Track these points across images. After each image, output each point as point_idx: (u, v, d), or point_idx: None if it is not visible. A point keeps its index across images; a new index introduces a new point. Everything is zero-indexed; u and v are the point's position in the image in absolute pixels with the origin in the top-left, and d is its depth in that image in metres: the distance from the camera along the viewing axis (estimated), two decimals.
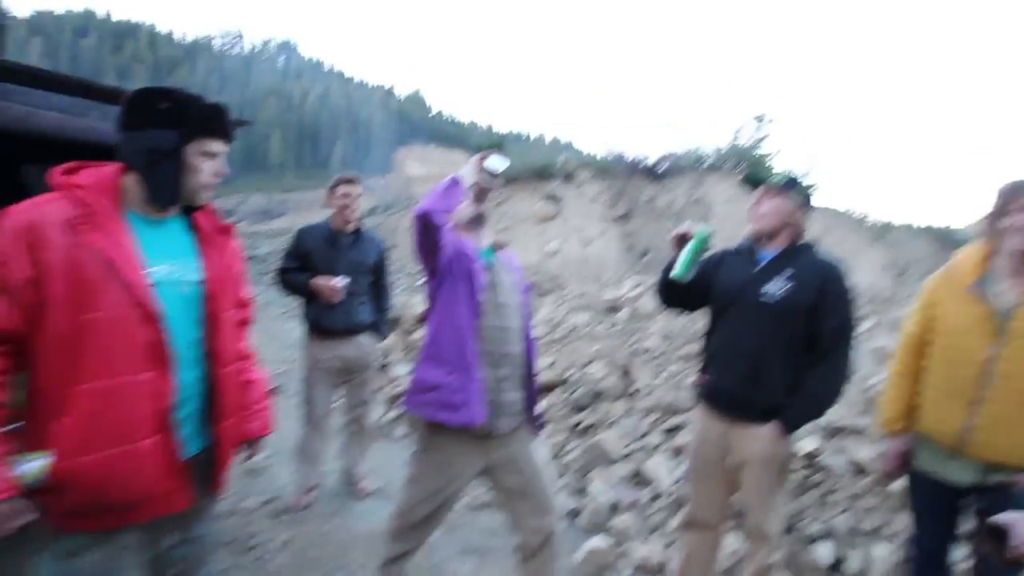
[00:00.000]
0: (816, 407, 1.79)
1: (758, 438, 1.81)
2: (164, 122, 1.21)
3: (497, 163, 1.76)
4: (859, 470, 2.83)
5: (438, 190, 1.69)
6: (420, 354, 1.78)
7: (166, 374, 1.22)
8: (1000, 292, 1.68)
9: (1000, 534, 1.18)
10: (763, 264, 1.87)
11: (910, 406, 1.89)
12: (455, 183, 1.71)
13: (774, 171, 15.37)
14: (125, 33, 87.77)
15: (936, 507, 1.84)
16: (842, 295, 1.76)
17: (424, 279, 1.83)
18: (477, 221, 1.89)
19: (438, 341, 1.73)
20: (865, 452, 2.84)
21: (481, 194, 1.86)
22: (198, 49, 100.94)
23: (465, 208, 1.87)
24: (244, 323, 1.61)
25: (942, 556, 1.88)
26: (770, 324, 1.78)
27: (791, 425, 1.79)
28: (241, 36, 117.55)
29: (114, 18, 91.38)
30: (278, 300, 9.56)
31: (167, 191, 1.25)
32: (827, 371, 1.75)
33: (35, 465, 1.11)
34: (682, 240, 1.90)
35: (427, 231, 1.67)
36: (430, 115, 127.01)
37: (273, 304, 9.17)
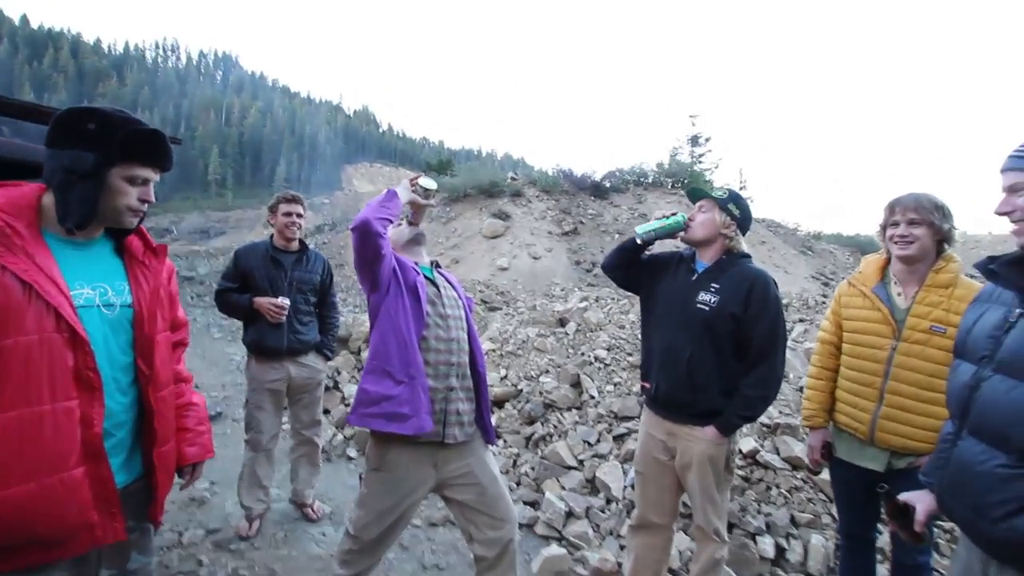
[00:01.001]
0: (751, 409, 1.87)
1: (700, 440, 1.89)
2: (86, 143, 1.16)
3: (429, 182, 1.93)
4: (795, 465, 3.02)
5: (375, 201, 1.76)
6: (365, 366, 1.77)
7: (95, 400, 1.17)
8: (895, 295, 1.87)
9: (905, 512, 1.28)
10: (698, 274, 1.97)
11: (828, 402, 2.05)
12: (391, 194, 1.81)
13: (714, 186, 16.24)
14: (44, 41, 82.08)
15: (855, 494, 2.00)
16: (766, 303, 1.84)
17: (366, 293, 1.82)
18: (415, 241, 1.99)
19: (383, 353, 1.72)
20: (800, 448, 3.03)
21: (416, 213, 1.98)
22: (129, 60, 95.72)
23: (403, 230, 1.99)
24: (180, 345, 1.56)
25: (867, 540, 2.05)
26: (703, 331, 1.87)
27: (729, 426, 1.87)
28: (177, 48, 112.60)
29: (32, 24, 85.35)
30: (217, 323, 9.14)
31: (76, 212, 1.18)
32: (759, 375, 1.84)
33: None
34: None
35: (366, 240, 1.69)
36: (380, 131, 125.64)
37: (212, 327, 8.74)
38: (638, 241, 2.08)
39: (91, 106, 1.20)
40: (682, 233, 2.02)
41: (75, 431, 1.14)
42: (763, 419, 3.31)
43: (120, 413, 1.26)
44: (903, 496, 1.30)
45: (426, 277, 1.89)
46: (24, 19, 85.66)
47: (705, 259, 2.01)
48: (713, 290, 1.90)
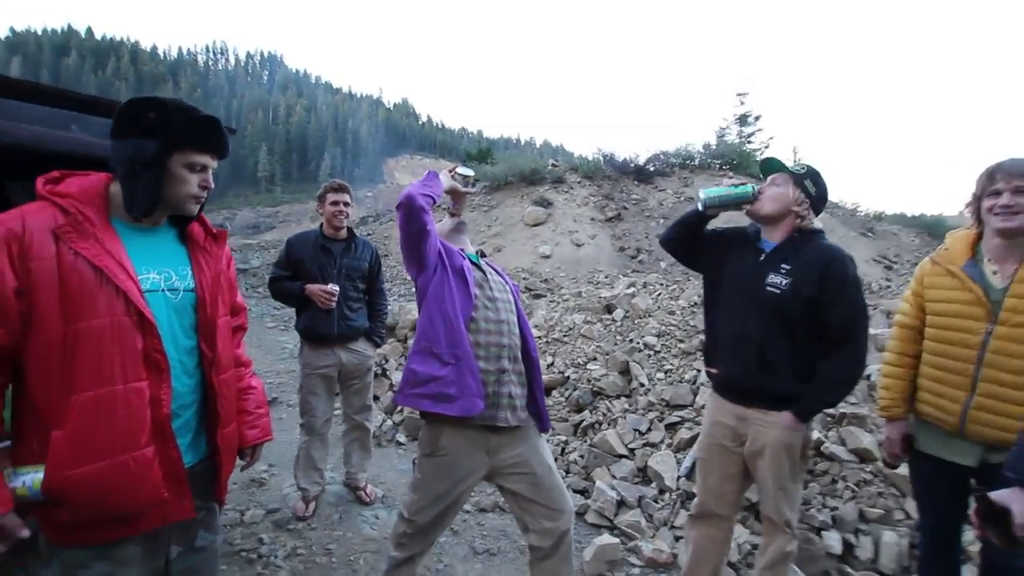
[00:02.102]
0: (831, 394, 1.77)
1: (774, 425, 1.79)
2: (147, 132, 1.19)
3: (466, 170, 1.98)
4: (863, 457, 2.84)
5: (418, 181, 1.79)
6: (412, 347, 1.77)
7: (163, 381, 1.20)
8: (989, 274, 1.69)
9: (1001, 514, 1.14)
10: (766, 254, 1.85)
11: (908, 391, 1.89)
12: (433, 175, 1.85)
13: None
14: (107, 50, 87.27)
15: (940, 490, 1.84)
16: (844, 283, 1.72)
17: (413, 275, 1.82)
18: (458, 230, 2.01)
19: (430, 334, 1.72)
20: (868, 440, 2.85)
21: (457, 202, 2.01)
22: (182, 64, 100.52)
23: (445, 221, 2.03)
24: (240, 330, 1.59)
25: (951, 540, 1.88)
26: (774, 314, 1.76)
27: (806, 412, 1.76)
28: (226, 50, 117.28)
29: (96, 35, 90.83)
30: (270, 312, 9.51)
31: (142, 200, 1.21)
32: (842, 358, 1.72)
33: (28, 479, 1.08)
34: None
35: (411, 215, 1.69)
36: (419, 123, 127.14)
37: (265, 316, 9.11)
38: (699, 207, 1.96)
39: (151, 96, 1.22)
40: (748, 206, 1.89)
41: (145, 411, 1.17)
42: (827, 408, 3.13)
43: (186, 395, 1.29)
44: (997, 495, 1.16)
45: (472, 262, 1.88)
46: (89, 31, 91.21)
47: (773, 238, 1.88)
48: (784, 271, 1.78)
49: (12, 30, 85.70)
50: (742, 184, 1.92)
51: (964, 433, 1.71)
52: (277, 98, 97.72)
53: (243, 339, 1.64)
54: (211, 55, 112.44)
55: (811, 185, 1.85)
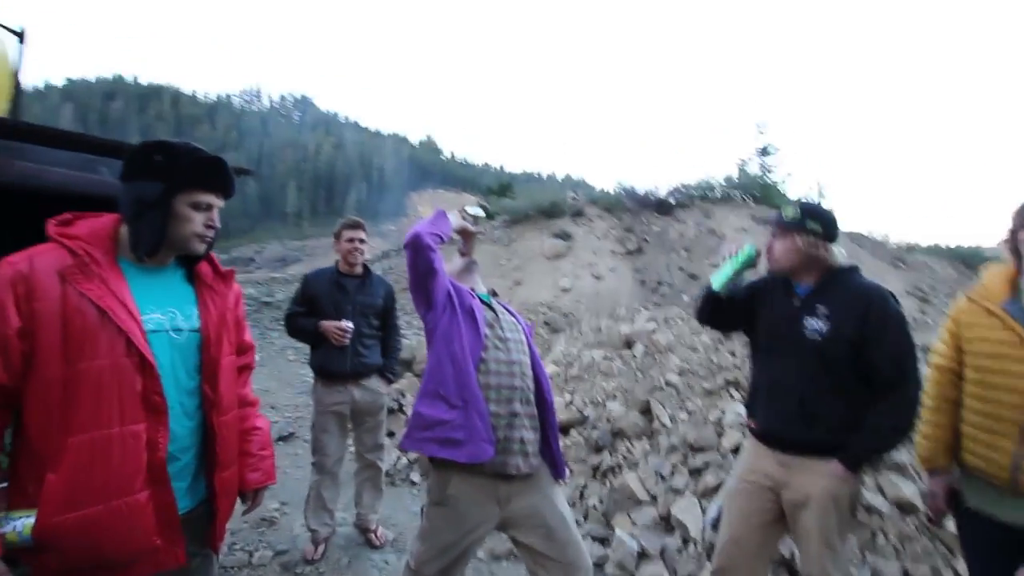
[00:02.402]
0: (882, 441, 1.66)
1: (821, 474, 1.67)
2: (153, 173, 1.21)
3: (476, 210, 2.03)
4: (906, 510, 2.64)
5: (426, 219, 1.78)
6: (420, 389, 1.72)
7: (160, 424, 1.18)
8: None
9: None
10: (802, 299, 1.78)
11: (949, 440, 1.75)
12: (441, 214, 1.83)
13: (786, 196, 15.34)
14: (150, 95, 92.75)
15: (992, 551, 1.67)
16: (887, 321, 1.64)
17: (421, 313, 1.79)
18: (469, 270, 2.00)
19: (438, 375, 1.67)
20: (911, 490, 2.65)
21: (467, 242, 2.01)
22: (219, 107, 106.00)
23: (456, 261, 2.02)
24: (246, 368, 1.57)
25: None
26: (815, 361, 1.68)
27: (855, 461, 1.65)
28: (260, 93, 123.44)
29: (141, 82, 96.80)
30: (292, 345, 9.60)
31: (147, 240, 1.23)
32: (892, 403, 1.62)
33: (20, 524, 1.05)
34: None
35: (419, 254, 1.69)
36: (443, 159, 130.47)
37: (288, 349, 9.19)
38: (721, 297, 1.92)
39: (158, 139, 1.25)
40: (769, 266, 1.87)
41: (141, 455, 1.15)
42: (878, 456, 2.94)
43: (185, 437, 1.27)
44: None
45: (482, 301, 1.85)
46: (135, 78, 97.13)
47: (805, 281, 1.81)
48: (822, 315, 1.70)
49: (68, 79, 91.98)
50: (741, 249, 1.88)
51: (1018, 489, 1.56)
52: (307, 137, 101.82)
53: (250, 378, 1.62)
54: (246, 98, 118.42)
55: (814, 223, 1.78)
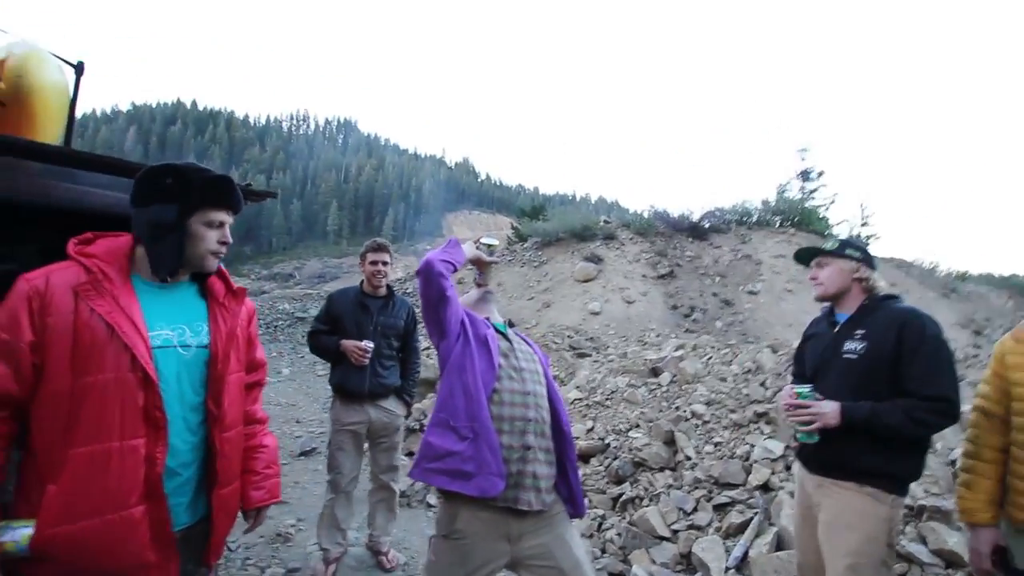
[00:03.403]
0: (893, 418, 1.60)
1: (853, 495, 1.68)
2: (166, 197, 1.25)
3: (491, 239, 2.02)
4: (949, 561, 2.44)
5: (439, 248, 1.80)
6: (431, 418, 1.70)
7: (159, 439, 1.19)
8: None
9: None
10: (841, 324, 1.85)
11: (995, 492, 1.60)
12: (454, 243, 1.86)
13: (827, 221, 14.83)
14: (206, 119, 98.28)
15: None
16: (923, 338, 1.64)
17: (435, 342, 1.78)
18: (485, 299, 2.00)
19: (450, 405, 1.64)
20: (954, 540, 2.45)
21: (483, 272, 2.02)
22: (269, 130, 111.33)
23: (472, 292, 2.02)
24: (256, 386, 1.59)
25: None
26: (852, 380, 1.72)
27: (858, 412, 1.64)
28: (307, 117, 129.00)
29: (199, 106, 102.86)
30: (322, 360, 9.80)
31: (167, 262, 1.28)
32: (924, 404, 1.60)
33: (18, 534, 1.08)
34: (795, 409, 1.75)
35: (430, 281, 1.69)
36: (478, 181, 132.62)
37: (317, 364, 9.38)
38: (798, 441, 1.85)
39: (165, 163, 1.31)
40: (815, 293, 1.92)
41: (139, 469, 1.16)
42: (906, 500, 2.74)
43: (187, 452, 1.28)
44: None
45: (498, 331, 1.83)
46: (194, 103, 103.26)
47: (845, 309, 1.88)
48: (859, 336, 1.75)
49: (133, 104, 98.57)
50: (799, 392, 1.76)
51: None
52: (350, 159, 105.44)
53: (260, 395, 1.63)
54: (294, 121, 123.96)
55: (853, 251, 1.86)
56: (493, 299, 2.03)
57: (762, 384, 4.11)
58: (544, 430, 1.69)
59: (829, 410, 1.67)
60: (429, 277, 1.69)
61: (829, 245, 1.90)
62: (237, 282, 1.49)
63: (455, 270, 1.76)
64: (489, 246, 1.99)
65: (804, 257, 1.97)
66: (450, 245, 1.83)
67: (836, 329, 1.84)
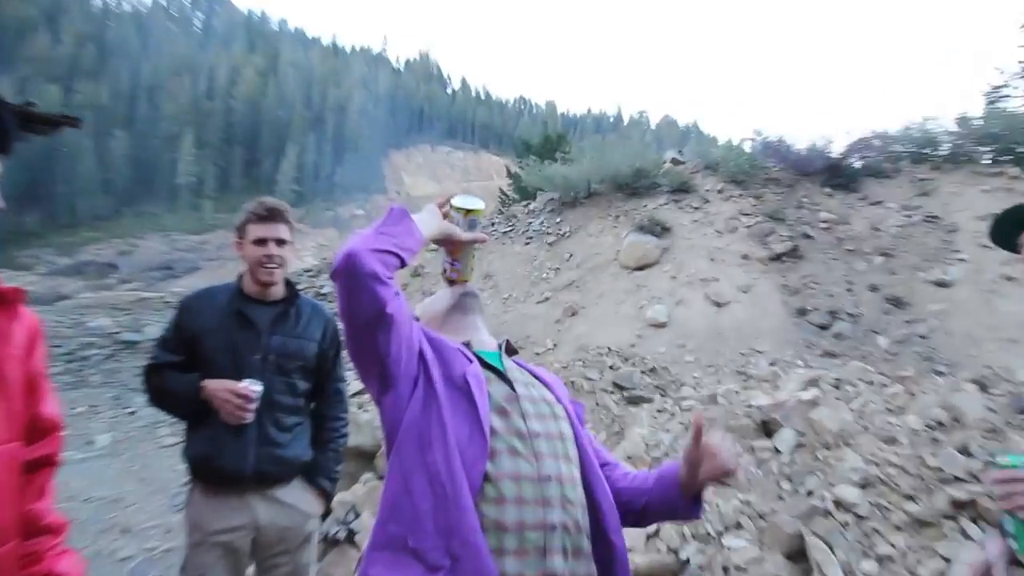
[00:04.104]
0: None
1: None
2: None
3: (468, 200, 1.99)
4: None
5: (370, 226, 1.74)
6: (372, 537, 1.70)
7: None
8: None
9: None
10: None
11: None
12: (398, 215, 1.79)
13: None
14: None
15: None
16: None
17: (372, 396, 1.80)
18: (461, 308, 2.03)
19: (405, 509, 1.64)
20: None
21: (456, 259, 2.03)
22: (65, 5, 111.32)
23: (438, 296, 2.11)
24: (42, 466, 1.58)
25: None
26: None
27: None
28: None
29: None
30: (168, 418, 9.83)
31: None
32: None
33: None
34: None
35: (355, 290, 1.65)
36: (448, 92, 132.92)
37: (161, 425, 9.42)
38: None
39: None
40: None
41: None
42: None
43: None
44: None
45: (486, 365, 1.84)
46: None
47: None
48: None
49: None
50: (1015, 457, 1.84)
51: None
52: (215, 56, 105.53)
53: (50, 484, 1.63)
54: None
55: None
56: (477, 306, 2.06)
57: (963, 448, 4.13)
58: (579, 543, 1.70)
59: None
60: (354, 282, 1.65)
61: None
62: (12, 281, 1.48)
63: (402, 265, 1.74)
64: (468, 212, 1.96)
65: (1011, 226, 1.97)
66: (391, 218, 1.78)
67: None
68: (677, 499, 1.88)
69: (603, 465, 1.97)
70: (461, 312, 2.02)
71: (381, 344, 1.70)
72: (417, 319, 2.01)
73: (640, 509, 1.94)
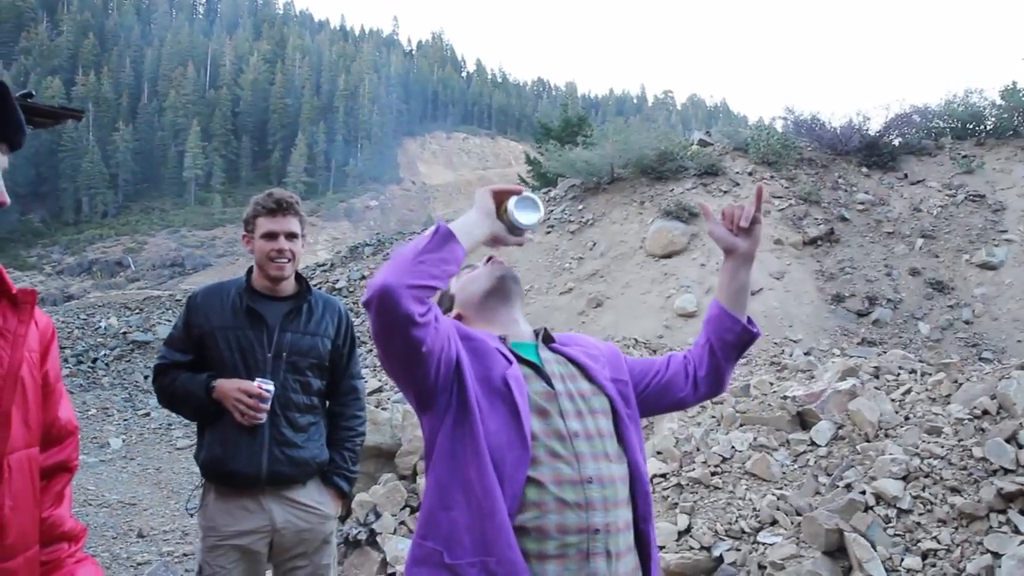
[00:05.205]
0: None
1: None
2: None
3: (528, 215, 1.82)
4: None
5: (409, 249, 1.65)
6: (411, 550, 1.73)
7: None
8: None
9: None
10: None
11: None
12: (443, 236, 1.68)
13: None
14: None
15: None
16: None
17: (414, 407, 1.81)
18: (499, 293, 1.98)
19: (442, 525, 1.68)
20: None
21: (499, 246, 1.93)
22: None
23: (475, 276, 2.03)
24: (60, 471, 1.60)
25: None
26: None
27: None
28: None
29: None
30: (180, 420, 9.90)
31: None
32: None
33: None
34: None
35: (392, 326, 1.60)
36: (463, 75, 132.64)
37: (174, 426, 9.49)
38: None
39: None
40: None
41: None
42: None
43: None
44: None
45: (523, 360, 1.83)
46: None
47: None
48: None
49: None
50: None
51: None
52: (220, 44, 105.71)
53: (68, 489, 1.65)
54: None
55: None
56: (518, 292, 2.05)
57: (1012, 438, 4.10)
58: (622, 543, 1.72)
59: None
60: (388, 321, 1.60)
61: None
62: (19, 281, 1.49)
63: (443, 289, 1.74)
64: (529, 204, 1.82)
65: None
66: (434, 242, 1.67)
67: None
68: (732, 322, 1.97)
69: (655, 373, 2.04)
70: (500, 299, 1.98)
71: (418, 377, 1.71)
72: (449, 310, 2.01)
73: (709, 358, 2.01)
